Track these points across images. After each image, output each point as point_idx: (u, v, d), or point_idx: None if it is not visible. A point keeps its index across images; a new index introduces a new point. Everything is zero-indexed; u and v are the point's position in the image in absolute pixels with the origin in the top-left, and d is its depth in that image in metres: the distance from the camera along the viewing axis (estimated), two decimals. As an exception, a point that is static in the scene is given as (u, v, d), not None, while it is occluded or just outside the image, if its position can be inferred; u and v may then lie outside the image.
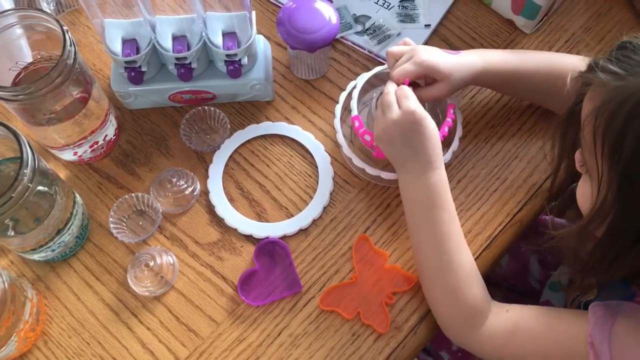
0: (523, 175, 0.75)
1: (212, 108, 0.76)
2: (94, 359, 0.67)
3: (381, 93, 0.71)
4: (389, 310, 0.68)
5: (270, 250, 0.71)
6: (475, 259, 0.71)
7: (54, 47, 0.66)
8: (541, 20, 0.81)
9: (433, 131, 0.64)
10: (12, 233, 0.62)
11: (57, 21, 0.61)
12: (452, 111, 0.70)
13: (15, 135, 0.56)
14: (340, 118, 0.74)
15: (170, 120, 0.78)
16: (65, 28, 0.61)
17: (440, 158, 0.64)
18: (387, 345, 0.67)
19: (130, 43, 0.70)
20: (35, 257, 0.67)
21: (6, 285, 0.59)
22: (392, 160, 0.67)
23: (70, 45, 0.61)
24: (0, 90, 0.59)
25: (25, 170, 0.55)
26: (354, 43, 0.82)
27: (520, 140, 0.77)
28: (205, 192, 0.74)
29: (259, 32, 0.76)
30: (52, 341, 0.67)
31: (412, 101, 0.64)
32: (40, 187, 0.60)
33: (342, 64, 0.81)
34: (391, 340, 0.67)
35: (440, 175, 0.64)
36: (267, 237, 0.71)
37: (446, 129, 0.69)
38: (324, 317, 0.68)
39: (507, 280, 0.91)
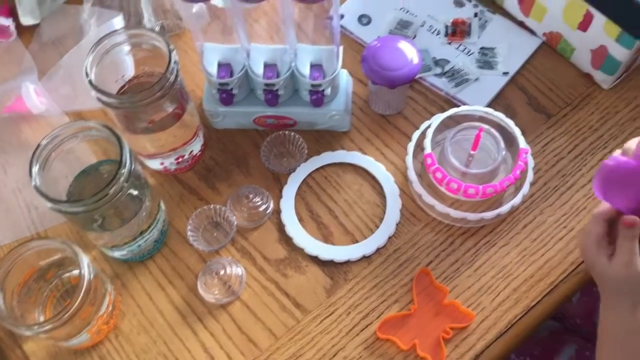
0: (591, 226, 0.75)
1: (292, 133, 0.81)
2: (158, 357, 0.70)
3: (456, 133, 0.74)
4: (445, 345, 0.69)
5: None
6: (535, 304, 0.71)
7: (157, 64, 0.72)
8: (620, 76, 0.82)
9: None
10: (98, 229, 0.67)
11: (165, 40, 0.67)
12: (524, 155, 0.72)
13: (117, 138, 0.62)
14: (413, 155, 0.76)
15: (252, 142, 0.83)
16: (171, 47, 0.67)
17: None
18: (440, 379, 0.68)
19: (225, 67, 0.75)
20: (117, 254, 0.73)
21: (92, 276, 0.63)
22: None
23: (174, 62, 0.67)
24: (109, 97, 0.66)
25: (122, 171, 0.61)
26: (432, 84, 0.85)
27: (590, 192, 0.77)
28: (277, 211, 0.78)
29: (343, 67, 0.81)
30: (122, 336, 0.72)
31: None
32: (132, 190, 0.66)
33: (418, 103, 0.84)
34: (444, 374, 0.68)
35: None
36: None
37: (518, 172, 0.71)
38: (379, 344, 0.70)
39: (573, 318, 0.90)
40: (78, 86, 0.86)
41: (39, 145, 0.62)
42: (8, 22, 0.90)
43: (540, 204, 0.77)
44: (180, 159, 0.79)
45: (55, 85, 0.86)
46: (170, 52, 0.67)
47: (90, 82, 0.66)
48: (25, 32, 0.92)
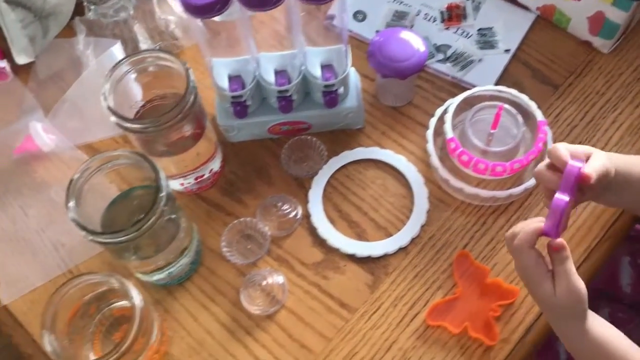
0: (614, 188, 0.77)
1: (309, 137, 0.81)
2: (213, 376, 0.70)
3: (474, 114, 0.75)
4: (495, 323, 0.70)
5: None
6: (574, 271, 0.73)
7: (167, 85, 0.72)
8: (619, 39, 0.84)
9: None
10: (140, 256, 0.67)
11: (180, 61, 0.67)
12: (544, 127, 0.73)
13: (150, 163, 0.61)
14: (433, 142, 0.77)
15: (269, 151, 0.83)
16: (187, 66, 0.67)
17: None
18: (496, 357, 0.69)
19: (236, 79, 0.75)
20: (156, 278, 0.72)
21: (143, 306, 0.63)
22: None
23: (192, 81, 0.67)
24: (132, 122, 0.65)
25: (161, 194, 0.60)
26: (437, 70, 0.86)
27: (608, 155, 0.79)
28: (306, 216, 0.78)
29: (347, 64, 0.81)
30: (173, 360, 0.71)
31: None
32: (169, 214, 0.65)
33: (427, 91, 0.85)
34: (499, 352, 0.69)
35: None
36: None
37: (540, 144, 0.72)
38: (431, 332, 0.71)
39: (595, 285, 0.90)
40: (86, 118, 0.85)
41: (71, 180, 0.61)
42: (3, 63, 0.88)
43: (562, 173, 0.78)
44: (199, 179, 0.79)
45: (62, 120, 0.85)
46: (187, 70, 0.66)
47: (109, 107, 0.65)
48: (21, 72, 0.90)
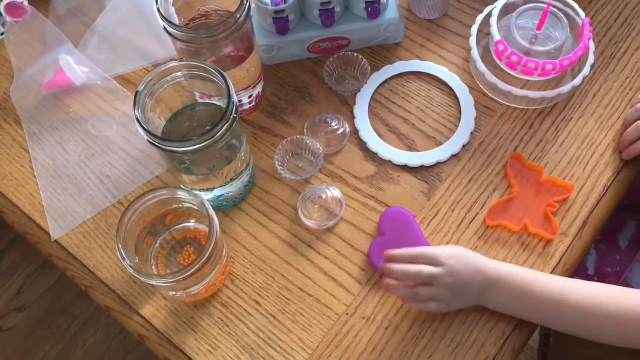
0: (655, 84, 0.78)
1: (351, 53, 0.80)
2: (280, 291, 0.70)
3: (519, 16, 0.75)
4: (554, 218, 0.71)
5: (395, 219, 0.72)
6: (623, 166, 0.74)
7: (208, 2, 0.70)
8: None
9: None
10: (197, 173, 0.66)
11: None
12: (588, 25, 0.74)
13: (217, 70, 0.60)
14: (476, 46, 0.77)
15: (308, 70, 0.82)
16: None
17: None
18: (557, 250, 0.70)
19: (276, -6, 0.74)
20: (215, 195, 0.70)
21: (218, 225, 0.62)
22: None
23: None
24: (185, 32, 0.63)
25: (233, 100, 0.59)
26: (469, -19, 0.85)
27: (644, 52, 0.80)
28: (354, 132, 0.78)
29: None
30: (238, 279, 0.71)
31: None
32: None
33: (460, 2, 0.85)
34: (560, 245, 0.70)
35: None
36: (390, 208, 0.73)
37: (587, 41, 0.73)
38: (491, 232, 0.72)
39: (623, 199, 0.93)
40: (117, 49, 0.83)
41: (137, 92, 0.59)
42: (20, -1, 0.85)
43: (602, 73, 0.79)
44: (239, 104, 0.77)
45: (92, 53, 0.83)
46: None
47: (162, 14, 0.63)
48: (40, 9, 0.86)
